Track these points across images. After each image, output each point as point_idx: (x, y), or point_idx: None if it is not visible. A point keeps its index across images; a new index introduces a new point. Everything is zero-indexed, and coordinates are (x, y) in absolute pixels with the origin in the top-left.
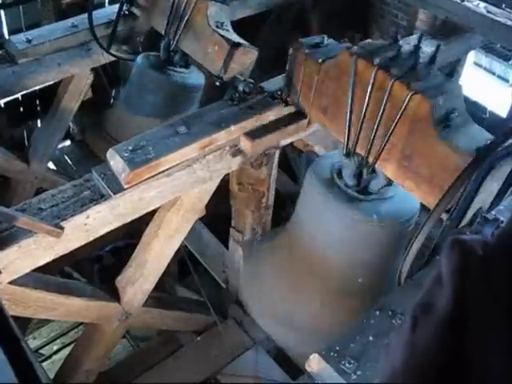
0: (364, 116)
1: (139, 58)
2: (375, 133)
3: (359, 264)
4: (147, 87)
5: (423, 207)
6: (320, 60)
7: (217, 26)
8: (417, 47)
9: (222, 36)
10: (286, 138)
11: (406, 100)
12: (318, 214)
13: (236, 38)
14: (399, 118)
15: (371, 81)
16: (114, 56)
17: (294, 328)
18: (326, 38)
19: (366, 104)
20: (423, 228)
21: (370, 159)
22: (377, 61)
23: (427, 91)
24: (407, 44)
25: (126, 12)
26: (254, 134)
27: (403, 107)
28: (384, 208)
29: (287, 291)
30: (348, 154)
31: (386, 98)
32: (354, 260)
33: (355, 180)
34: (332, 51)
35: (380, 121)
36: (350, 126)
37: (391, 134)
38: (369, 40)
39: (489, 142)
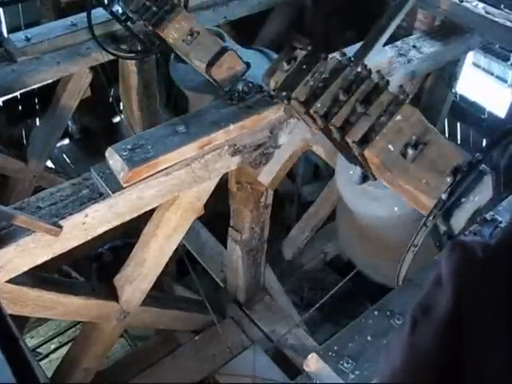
0: (343, 147)
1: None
2: (358, 160)
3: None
4: None
5: None
6: (285, 102)
7: (188, 42)
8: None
9: (195, 58)
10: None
11: (359, 155)
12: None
13: (206, 47)
14: (366, 163)
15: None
16: (112, 55)
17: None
18: (285, 64)
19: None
20: (422, 228)
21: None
22: (319, 122)
23: (375, 140)
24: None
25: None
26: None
27: (362, 158)
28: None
29: None
30: (351, 163)
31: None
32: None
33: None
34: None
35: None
36: (339, 148)
37: (369, 167)
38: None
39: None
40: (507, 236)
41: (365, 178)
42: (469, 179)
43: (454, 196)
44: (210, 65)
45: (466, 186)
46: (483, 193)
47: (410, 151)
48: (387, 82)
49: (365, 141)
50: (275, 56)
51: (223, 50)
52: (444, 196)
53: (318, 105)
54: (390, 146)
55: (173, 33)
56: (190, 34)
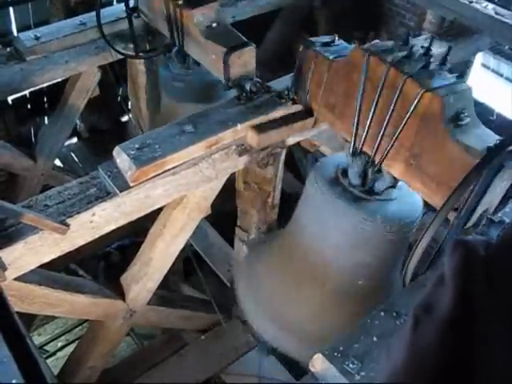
0: (373, 114)
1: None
2: (384, 131)
3: (360, 265)
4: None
5: (429, 208)
6: (331, 57)
7: (208, 29)
8: (428, 48)
9: (215, 43)
10: (292, 134)
11: (418, 97)
12: (320, 214)
13: (231, 36)
14: (410, 115)
15: (383, 78)
16: (121, 54)
17: (292, 331)
18: (337, 37)
19: (375, 102)
20: (429, 227)
21: (377, 158)
22: (390, 58)
23: (439, 89)
24: (417, 45)
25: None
26: (261, 129)
27: (414, 104)
28: (388, 209)
29: (285, 294)
30: (354, 153)
31: (397, 95)
32: (356, 261)
33: (360, 180)
34: (343, 50)
35: (389, 119)
36: (357, 125)
37: (400, 132)
38: (377, 40)
39: (498, 141)
40: (510, 234)
41: (363, 180)
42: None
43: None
44: (231, 51)
45: (478, 182)
46: (494, 191)
47: (463, 115)
48: None
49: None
50: None
51: (246, 43)
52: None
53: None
54: (451, 98)
55: (199, 16)
56: (216, 22)
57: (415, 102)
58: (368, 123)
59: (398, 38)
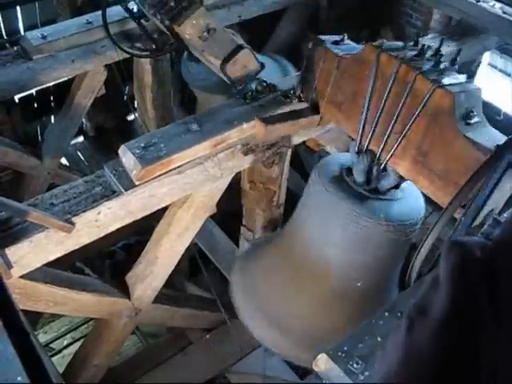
0: (381, 111)
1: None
2: (392, 128)
3: (361, 266)
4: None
5: (434, 208)
6: (341, 54)
7: (201, 43)
8: (439, 48)
9: (209, 55)
10: (298, 131)
11: (429, 93)
12: (322, 212)
13: (224, 43)
14: (420, 111)
15: (393, 74)
16: (127, 53)
17: (289, 332)
18: (346, 36)
19: (384, 99)
20: (435, 226)
21: (383, 156)
22: (400, 55)
23: (450, 86)
24: (427, 45)
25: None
26: (268, 121)
27: (425, 100)
28: (391, 209)
29: (284, 294)
30: (360, 151)
31: (407, 92)
32: (356, 262)
33: (365, 178)
34: (352, 49)
35: (398, 116)
36: (365, 122)
37: (409, 128)
38: (384, 40)
39: (507, 139)
40: (506, 235)
41: (368, 178)
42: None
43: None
44: (225, 61)
45: (486, 180)
46: (501, 191)
47: (473, 114)
48: None
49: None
50: (284, 61)
51: (239, 48)
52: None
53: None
54: (462, 95)
55: (189, 28)
56: (206, 30)
57: (426, 98)
58: (376, 121)
59: (405, 38)
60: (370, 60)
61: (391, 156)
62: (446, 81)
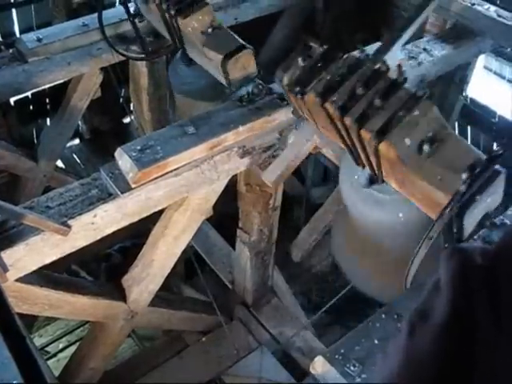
0: (354, 146)
1: None
2: (368, 159)
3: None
4: None
5: None
6: (299, 96)
7: (204, 39)
8: (382, 68)
9: (211, 50)
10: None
11: (374, 148)
12: (355, 208)
13: (227, 41)
14: (377, 159)
15: (340, 126)
16: (123, 56)
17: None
18: (300, 60)
19: (348, 138)
20: (427, 236)
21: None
22: (337, 112)
23: (391, 135)
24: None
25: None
26: (273, 169)
27: (374, 153)
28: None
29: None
30: (358, 164)
31: (358, 138)
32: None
33: (370, 184)
34: (308, 80)
35: (366, 152)
36: (348, 147)
37: (380, 164)
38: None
39: (466, 177)
40: (507, 241)
41: (371, 181)
42: (485, 175)
43: (471, 191)
44: (227, 58)
45: (480, 183)
46: (496, 194)
47: (426, 147)
48: (405, 79)
49: (382, 133)
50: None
51: (242, 47)
52: (463, 188)
53: (335, 97)
54: (406, 140)
55: (194, 23)
56: (210, 27)
57: (374, 151)
58: (353, 149)
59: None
60: (318, 106)
61: (382, 175)
62: (388, 124)
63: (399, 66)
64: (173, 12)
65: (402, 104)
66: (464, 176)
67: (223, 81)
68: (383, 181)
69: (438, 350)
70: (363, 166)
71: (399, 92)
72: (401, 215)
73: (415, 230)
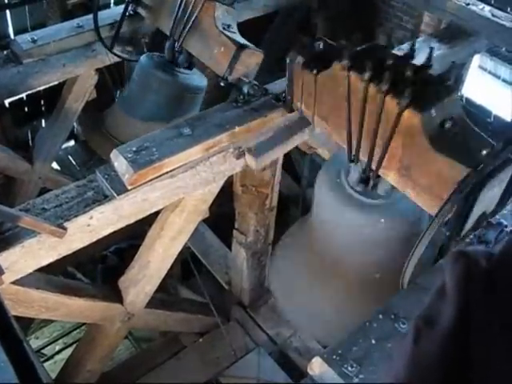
0: (362, 127)
1: (143, 58)
2: (374, 143)
3: (376, 261)
4: (150, 87)
5: None
6: (315, 71)
7: (223, 28)
8: (409, 54)
9: (229, 37)
10: (290, 147)
11: (397, 114)
12: (329, 215)
13: (242, 40)
14: (393, 131)
15: (363, 95)
16: (118, 57)
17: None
18: (320, 44)
19: (361, 116)
20: (425, 235)
21: (373, 166)
22: (367, 75)
23: (419, 103)
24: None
25: (132, 12)
26: (257, 151)
27: (394, 121)
28: (391, 211)
29: (312, 284)
30: (352, 161)
31: (379, 111)
32: (370, 258)
33: (361, 183)
34: (327, 59)
35: (377, 132)
36: (350, 136)
37: (388, 145)
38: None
39: (488, 151)
40: (510, 247)
41: (361, 181)
42: (502, 157)
43: (493, 165)
44: (244, 47)
45: (498, 164)
46: (502, 183)
47: (448, 125)
48: (431, 64)
49: (409, 100)
50: None
51: (253, 47)
52: (487, 160)
53: (363, 65)
54: (432, 111)
55: (222, 11)
56: (229, 24)
57: (396, 120)
58: (359, 135)
59: (395, 40)
60: (342, 78)
61: (379, 167)
62: (415, 96)
63: (431, 48)
64: None
65: (429, 81)
66: (484, 152)
67: (220, 70)
68: (378, 176)
69: (444, 354)
70: (357, 161)
71: (426, 72)
72: (382, 221)
73: (396, 239)
